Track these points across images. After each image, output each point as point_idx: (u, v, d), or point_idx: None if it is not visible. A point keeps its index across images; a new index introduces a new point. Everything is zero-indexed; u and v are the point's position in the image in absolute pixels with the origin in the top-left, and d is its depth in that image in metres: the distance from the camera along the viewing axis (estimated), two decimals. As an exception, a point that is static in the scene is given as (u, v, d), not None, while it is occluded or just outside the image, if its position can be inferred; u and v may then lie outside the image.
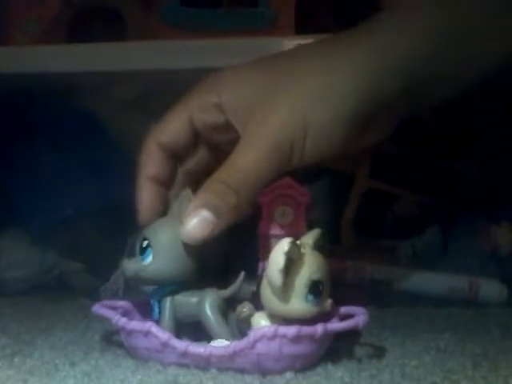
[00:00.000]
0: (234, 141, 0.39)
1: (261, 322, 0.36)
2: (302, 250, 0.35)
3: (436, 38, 0.38)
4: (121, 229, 0.45)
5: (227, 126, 0.40)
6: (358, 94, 0.38)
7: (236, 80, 0.40)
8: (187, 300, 0.37)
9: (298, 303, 0.35)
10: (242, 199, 0.37)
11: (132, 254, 0.37)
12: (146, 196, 0.40)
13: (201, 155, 0.42)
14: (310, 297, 0.35)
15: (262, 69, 0.40)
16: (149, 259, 0.37)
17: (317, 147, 0.38)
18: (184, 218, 0.36)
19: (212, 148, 0.42)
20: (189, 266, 0.37)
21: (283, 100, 0.38)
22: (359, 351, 0.39)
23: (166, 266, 0.37)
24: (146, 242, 0.37)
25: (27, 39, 0.57)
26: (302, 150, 0.38)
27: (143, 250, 0.37)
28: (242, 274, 0.37)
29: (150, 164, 0.41)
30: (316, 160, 0.39)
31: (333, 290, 0.36)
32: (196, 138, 0.41)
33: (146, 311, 0.40)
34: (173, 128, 0.41)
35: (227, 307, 0.37)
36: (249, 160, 0.37)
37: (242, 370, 0.35)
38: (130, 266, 0.37)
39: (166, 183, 0.41)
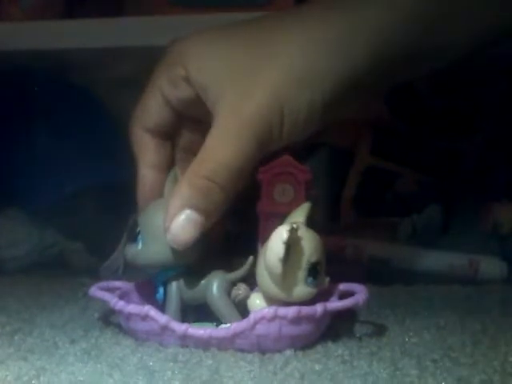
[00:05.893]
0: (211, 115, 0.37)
1: (256, 302, 0.36)
2: (299, 232, 0.34)
3: (416, 12, 0.37)
4: (120, 207, 0.45)
5: (200, 100, 0.37)
6: (337, 73, 0.36)
7: (202, 51, 0.37)
8: (194, 283, 0.37)
9: (299, 288, 0.34)
10: (228, 194, 0.35)
11: (132, 239, 0.37)
12: (146, 184, 0.39)
13: (188, 131, 0.40)
14: (310, 279, 0.35)
15: (232, 39, 0.37)
16: (139, 245, 0.36)
17: (295, 128, 0.36)
18: (168, 221, 0.34)
19: (196, 122, 0.40)
20: (181, 250, 0.35)
21: (257, 82, 0.36)
22: (359, 329, 0.39)
23: (156, 252, 0.36)
24: (138, 228, 0.36)
25: (23, 15, 0.57)
26: (281, 133, 0.36)
27: (137, 236, 0.36)
28: (251, 258, 0.36)
29: (145, 152, 0.39)
30: (297, 139, 0.37)
31: (332, 267, 0.36)
32: (177, 114, 0.39)
33: (145, 292, 0.40)
34: (152, 110, 0.39)
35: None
36: (229, 152, 0.35)
37: (241, 350, 0.35)
38: (129, 251, 0.37)
39: (166, 168, 0.40)
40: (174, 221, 0.34)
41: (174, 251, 0.35)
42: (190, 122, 0.40)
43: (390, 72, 0.38)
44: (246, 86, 0.36)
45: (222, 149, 0.35)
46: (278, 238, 0.33)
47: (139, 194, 0.40)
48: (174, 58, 0.38)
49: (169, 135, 0.40)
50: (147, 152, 0.39)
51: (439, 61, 0.39)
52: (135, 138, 0.40)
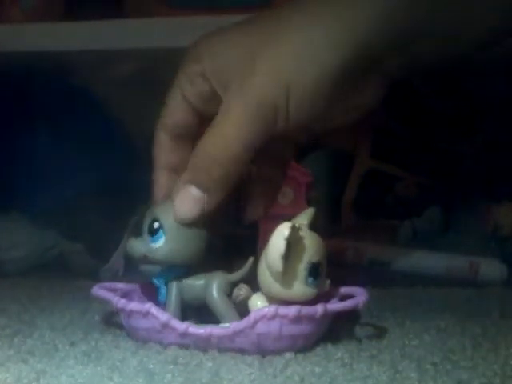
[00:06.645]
0: None
1: (257, 303, 0.36)
2: (301, 232, 0.34)
3: None
4: (121, 209, 0.45)
5: (216, 95, 0.37)
6: (345, 49, 0.35)
7: (216, 42, 0.37)
8: (194, 283, 0.37)
9: (299, 287, 0.35)
10: (228, 170, 0.35)
11: (139, 233, 0.37)
12: (161, 187, 0.39)
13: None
14: (310, 279, 0.35)
15: (244, 28, 0.37)
16: (160, 242, 0.36)
17: (302, 107, 0.35)
18: (173, 197, 0.36)
19: None
20: (200, 248, 0.36)
21: (264, 60, 0.35)
22: (359, 332, 0.39)
23: (178, 249, 0.36)
24: (157, 224, 0.36)
25: (23, 16, 0.57)
26: (287, 112, 0.35)
27: (154, 232, 0.36)
28: (251, 259, 0.36)
29: (162, 155, 0.39)
30: (303, 122, 0.36)
31: (332, 270, 0.36)
32: (198, 113, 0.39)
33: (145, 293, 0.40)
34: (173, 111, 0.39)
35: (232, 290, 0.37)
36: (230, 127, 0.35)
37: (241, 351, 0.35)
38: (138, 246, 0.36)
39: (181, 170, 0.39)
40: (177, 197, 0.35)
41: (197, 248, 0.36)
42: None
43: (403, 55, 0.37)
44: (253, 63, 0.35)
45: (223, 124, 0.35)
46: (280, 234, 0.33)
47: (155, 197, 0.40)
48: (190, 57, 0.38)
49: (190, 137, 0.39)
50: (165, 154, 0.39)
51: (453, 44, 0.37)
52: (157, 140, 0.40)
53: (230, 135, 0.35)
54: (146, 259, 0.36)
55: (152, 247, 0.36)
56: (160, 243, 0.36)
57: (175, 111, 0.39)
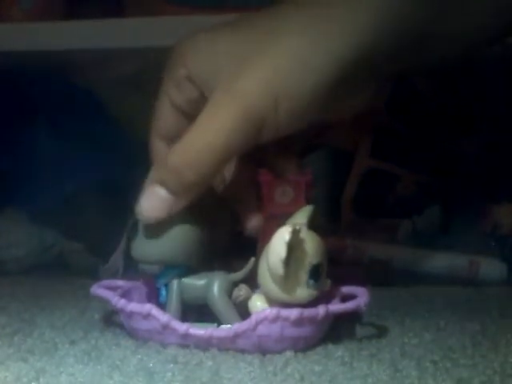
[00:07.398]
0: None
1: (257, 303, 0.36)
2: (301, 234, 0.34)
3: None
4: (121, 209, 0.45)
5: (204, 98, 0.36)
6: (341, 57, 0.33)
7: (200, 46, 0.36)
8: (195, 283, 0.37)
9: (300, 290, 0.34)
10: (200, 176, 0.34)
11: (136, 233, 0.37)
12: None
13: None
14: (311, 281, 0.34)
15: (233, 29, 0.36)
16: (136, 239, 0.36)
17: (294, 116, 0.34)
18: (140, 195, 0.35)
19: None
20: (176, 248, 0.36)
21: (252, 65, 0.34)
22: (359, 330, 0.39)
23: (147, 248, 0.36)
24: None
25: (23, 16, 0.57)
26: (276, 121, 0.34)
27: (136, 230, 0.36)
28: (253, 259, 0.36)
29: (159, 159, 0.38)
30: (295, 129, 0.35)
31: (332, 268, 0.36)
32: (188, 117, 0.38)
33: (146, 291, 0.40)
34: (163, 117, 0.38)
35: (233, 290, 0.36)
36: (207, 133, 0.34)
37: (242, 350, 0.35)
38: (132, 244, 0.37)
39: None
40: (144, 195, 0.35)
41: (176, 247, 0.36)
42: None
43: (402, 60, 0.36)
44: (241, 69, 0.34)
45: (200, 129, 0.34)
46: (280, 238, 0.33)
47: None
48: (175, 60, 0.37)
49: None
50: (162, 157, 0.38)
51: (451, 47, 0.37)
52: (152, 147, 0.39)
53: (206, 144, 0.34)
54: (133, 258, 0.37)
55: (132, 245, 0.36)
56: (135, 241, 0.36)
57: (165, 117, 0.38)
